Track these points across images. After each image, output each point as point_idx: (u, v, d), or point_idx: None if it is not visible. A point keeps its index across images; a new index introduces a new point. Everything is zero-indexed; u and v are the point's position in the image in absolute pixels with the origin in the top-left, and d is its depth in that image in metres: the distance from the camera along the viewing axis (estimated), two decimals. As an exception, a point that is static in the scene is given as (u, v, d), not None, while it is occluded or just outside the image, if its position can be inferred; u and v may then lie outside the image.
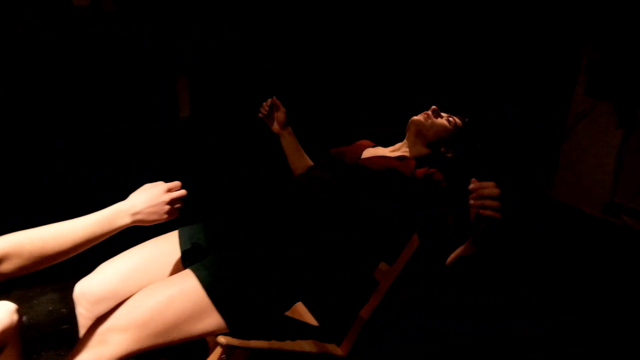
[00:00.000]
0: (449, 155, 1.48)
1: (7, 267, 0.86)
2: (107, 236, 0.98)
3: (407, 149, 1.49)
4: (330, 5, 2.82)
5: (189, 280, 1.03)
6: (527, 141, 2.97)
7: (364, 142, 1.64)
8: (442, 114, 1.49)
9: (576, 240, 2.90)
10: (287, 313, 1.41)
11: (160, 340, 0.99)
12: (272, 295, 1.15)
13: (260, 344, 1.17)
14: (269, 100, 1.69)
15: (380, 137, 1.71)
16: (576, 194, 3.25)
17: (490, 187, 0.94)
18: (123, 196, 1.03)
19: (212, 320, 1.03)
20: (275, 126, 1.71)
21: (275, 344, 1.21)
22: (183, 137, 2.74)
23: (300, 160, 1.74)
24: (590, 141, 3.13)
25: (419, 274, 1.33)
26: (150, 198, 1.00)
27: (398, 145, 1.54)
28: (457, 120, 1.49)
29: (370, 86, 2.95)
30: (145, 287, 1.08)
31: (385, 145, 1.61)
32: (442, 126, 1.45)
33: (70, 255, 0.93)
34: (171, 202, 1.02)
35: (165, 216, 1.02)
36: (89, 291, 1.12)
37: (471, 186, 0.96)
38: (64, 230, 0.92)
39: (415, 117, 1.48)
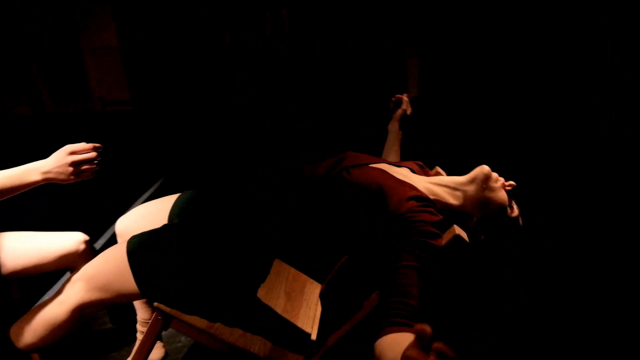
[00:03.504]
0: (469, 223, 1.17)
1: None
2: (19, 191, 1.11)
3: (458, 192, 1.20)
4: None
5: (122, 245, 1.15)
6: None
7: (408, 163, 1.40)
8: (513, 200, 1.22)
9: None
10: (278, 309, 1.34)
11: (104, 295, 1.14)
12: (195, 277, 1.14)
13: (198, 322, 1.20)
14: (397, 95, 1.66)
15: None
16: None
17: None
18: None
19: (131, 284, 1.11)
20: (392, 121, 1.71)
21: (218, 328, 1.21)
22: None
23: None
24: None
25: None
26: (56, 159, 1.11)
27: (452, 180, 1.23)
28: (520, 217, 1.21)
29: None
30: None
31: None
32: (503, 199, 1.16)
33: None
34: (74, 164, 1.10)
35: (72, 177, 1.12)
36: (122, 227, 1.41)
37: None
38: None
39: (487, 167, 1.18)
